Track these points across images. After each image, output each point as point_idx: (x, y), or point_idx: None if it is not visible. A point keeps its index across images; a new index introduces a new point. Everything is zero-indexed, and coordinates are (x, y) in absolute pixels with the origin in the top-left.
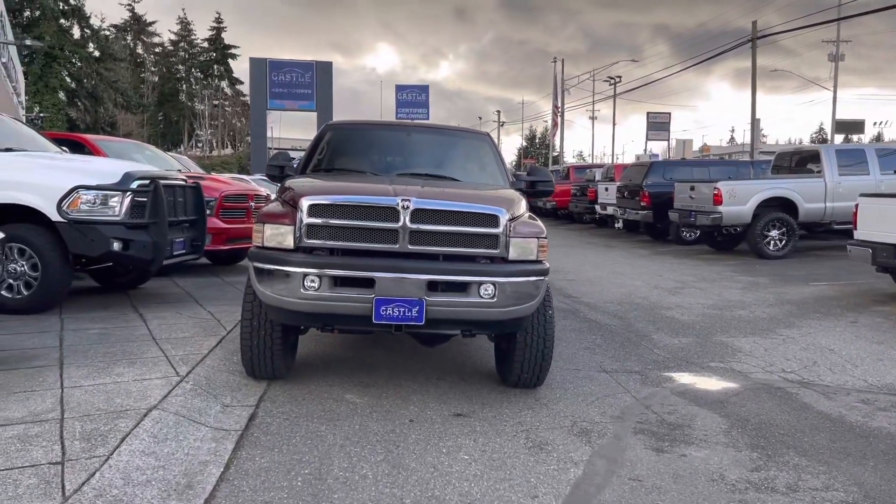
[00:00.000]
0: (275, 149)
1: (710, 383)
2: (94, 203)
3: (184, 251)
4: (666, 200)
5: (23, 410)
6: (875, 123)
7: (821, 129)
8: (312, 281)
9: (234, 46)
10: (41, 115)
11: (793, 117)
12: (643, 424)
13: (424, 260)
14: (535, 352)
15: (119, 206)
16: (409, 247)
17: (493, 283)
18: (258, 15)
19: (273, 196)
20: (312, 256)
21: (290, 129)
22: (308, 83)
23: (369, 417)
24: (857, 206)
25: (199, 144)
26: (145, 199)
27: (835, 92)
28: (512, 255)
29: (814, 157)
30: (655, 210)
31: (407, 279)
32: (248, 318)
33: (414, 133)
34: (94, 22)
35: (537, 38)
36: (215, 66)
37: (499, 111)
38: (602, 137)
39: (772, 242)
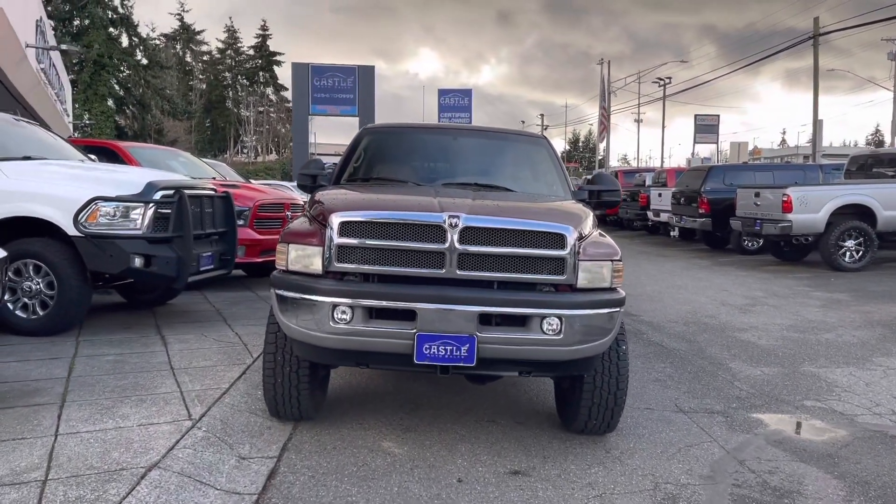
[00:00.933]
0: (316, 154)
1: (812, 430)
2: (113, 216)
3: (212, 266)
4: (726, 207)
5: (4, 468)
6: None
7: (877, 131)
8: (344, 312)
9: (279, 53)
10: (89, 122)
11: (847, 119)
12: (741, 489)
13: (476, 288)
14: (605, 395)
15: (141, 218)
16: (458, 272)
17: (559, 316)
18: (303, 22)
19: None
20: (344, 283)
21: (334, 135)
22: (350, 88)
23: (410, 475)
24: None
25: (245, 150)
26: (169, 211)
27: (895, 92)
28: (581, 281)
29: (893, 160)
30: (715, 217)
31: (455, 311)
32: (270, 352)
33: (461, 137)
34: (143, 30)
35: (580, 40)
36: (261, 73)
37: (542, 114)
38: (646, 140)
39: (847, 254)
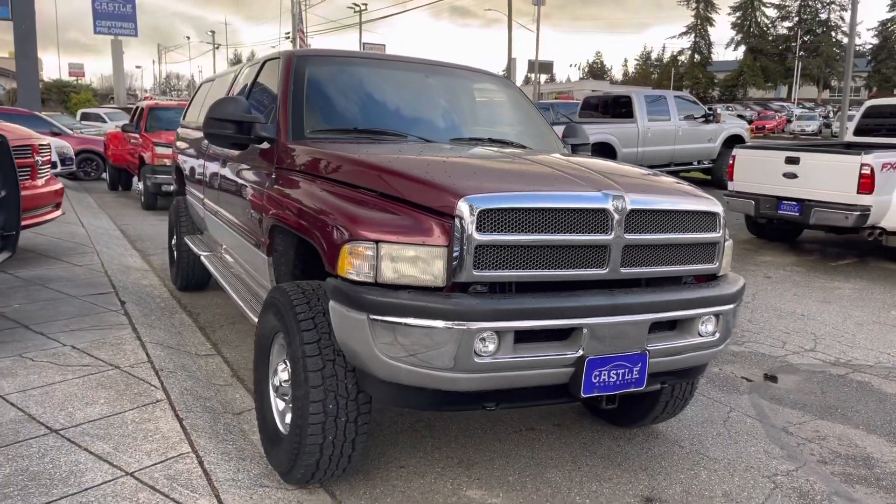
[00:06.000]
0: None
1: (789, 378)
2: None
3: None
4: None
5: None
6: (571, 65)
7: (508, 67)
8: (489, 341)
9: None
10: None
11: (477, 54)
12: (828, 465)
13: (642, 290)
14: (685, 385)
15: None
16: (622, 270)
17: (716, 314)
18: None
19: (64, 145)
20: (490, 299)
21: None
22: None
23: None
24: (734, 157)
25: None
26: None
27: (538, 32)
28: (723, 268)
29: (625, 102)
30: None
31: (628, 323)
32: (318, 400)
33: (432, 75)
34: None
35: None
36: None
37: (213, 31)
38: None
39: None
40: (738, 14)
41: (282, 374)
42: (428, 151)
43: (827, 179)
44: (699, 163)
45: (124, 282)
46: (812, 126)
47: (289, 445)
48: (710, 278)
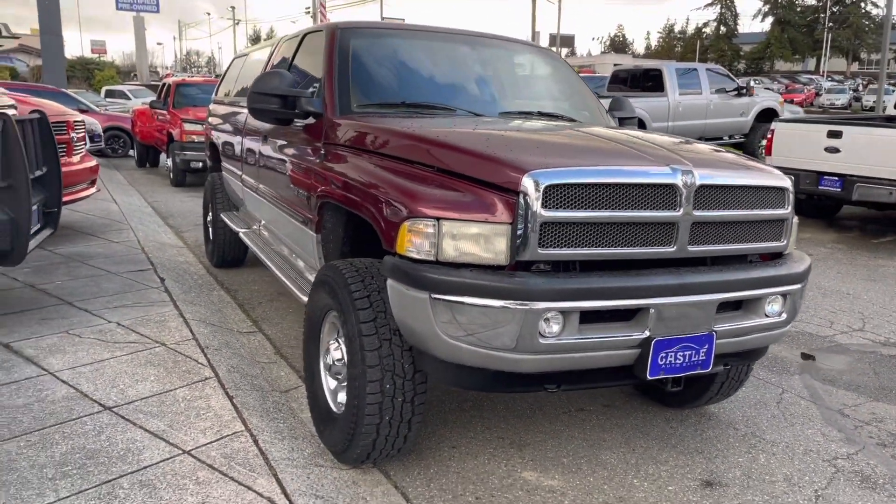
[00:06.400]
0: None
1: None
2: None
3: (39, 226)
4: None
5: None
6: (593, 39)
7: (535, 36)
8: (554, 321)
9: None
10: None
11: (495, 29)
12: (889, 447)
13: (708, 269)
14: (742, 367)
15: None
16: (690, 248)
17: (784, 294)
18: None
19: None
20: (551, 279)
21: None
22: None
23: None
24: (772, 132)
25: None
26: None
27: (559, 4)
28: (790, 246)
29: (655, 75)
30: None
31: (696, 303)
32: (375, 379)
33: (479, 47)
34: None
35: None
36: None
37: (233, 7)
38: None
39: None
40: None
41: (334, 352)
42: (482, 125)
43: (870, 154)
44: (731, 137)
45: (161, 258)
46: (842, 99)
47: (344, 425)
48: (775, 256)
